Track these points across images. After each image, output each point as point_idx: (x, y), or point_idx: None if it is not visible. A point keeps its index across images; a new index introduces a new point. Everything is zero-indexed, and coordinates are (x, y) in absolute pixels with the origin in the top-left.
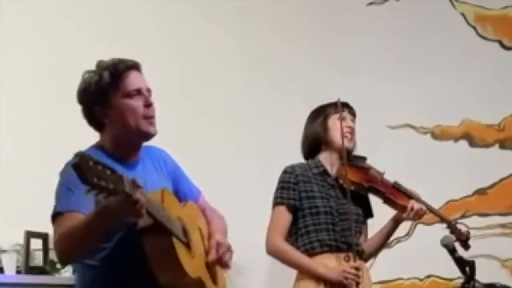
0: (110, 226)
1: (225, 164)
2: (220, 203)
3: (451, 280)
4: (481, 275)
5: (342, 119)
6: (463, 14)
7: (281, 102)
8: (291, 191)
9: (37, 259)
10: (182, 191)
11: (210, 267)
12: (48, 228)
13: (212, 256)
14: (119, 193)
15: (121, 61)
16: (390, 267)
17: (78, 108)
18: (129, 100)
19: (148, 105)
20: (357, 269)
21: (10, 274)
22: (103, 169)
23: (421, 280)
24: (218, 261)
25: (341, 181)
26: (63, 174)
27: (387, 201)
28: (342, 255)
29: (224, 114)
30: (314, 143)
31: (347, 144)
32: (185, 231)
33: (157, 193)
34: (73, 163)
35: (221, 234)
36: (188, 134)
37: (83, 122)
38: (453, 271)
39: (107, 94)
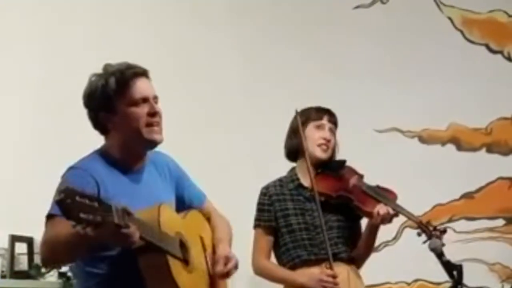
0: (96, 248)
1: (214, 167)
2: None
3: (438, 284)
4: (469, 279)
5: (318, 127)
6: (450, 18)
7: (270, 104)
8: (266, 213)
9: (22, 264)
10: (187, 196)
11: (213, 277)
12: (33, 232)
13: (219, 268)
14: (108, 225)
15: (128, 67)
16: (378, 271)
17: (67, 113)
18: (135, 108)
19: (153, 113)
20: (333, 276)
21: None
22: (91, 201)
23: (408, 284)
24: (223, 275)
25: (312, 193)
26: (62, 177)
27: (355, 208)
28: (323, 264)
29: (215, 116)
30: (292, 150)
31: (320, 154)
32: (183, 246)
33: (154, 209)
34: (57, 200)
35: (226, 242)
36: (179, 136)
37: (70, 127)
38: (441, 275)
39: (113, 101)
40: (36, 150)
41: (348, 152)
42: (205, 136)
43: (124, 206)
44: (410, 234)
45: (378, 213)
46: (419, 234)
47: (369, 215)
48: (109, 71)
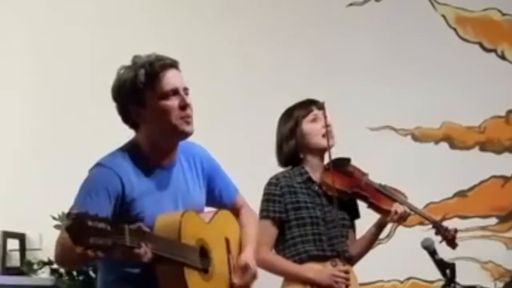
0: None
1: None
2: None
3: (431, 282)
4: (462, 278)
5: (313, 120)
6: (443, 16)
7: (265, 103)
8: (277, 203)
9: (14, 260)
10: (218, 192)
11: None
12: (25, 228)
13: (235, 280)
14: (119, 247)
15: (158, 59)
16: (371, 270)
17: (64, 113)
18: (165, 101)
19: (183, 106)
20: (346, 272)
21: None
22: (104, 224)
23: (401, 282)
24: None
25: (324, 188)
26: (89, 172)
27: (371, 205)
28: (329, 260)
29: (214, 115)
30: (291, 155)
31: (330, 143)
32: (204, 253)
33: (176, 217)
34: (66, 226)
35: (251, 244)
36: None
37: (67, 127)
38: (434, 273)
39: (142, 94)
40: (30, 148)
41: (342, 150)
42: (205, 135)
43: (138, 225)
44: (403, 232)
45: (396, 212)
46: (436, 234)
47: (386, 213)
48: (138, 63)
